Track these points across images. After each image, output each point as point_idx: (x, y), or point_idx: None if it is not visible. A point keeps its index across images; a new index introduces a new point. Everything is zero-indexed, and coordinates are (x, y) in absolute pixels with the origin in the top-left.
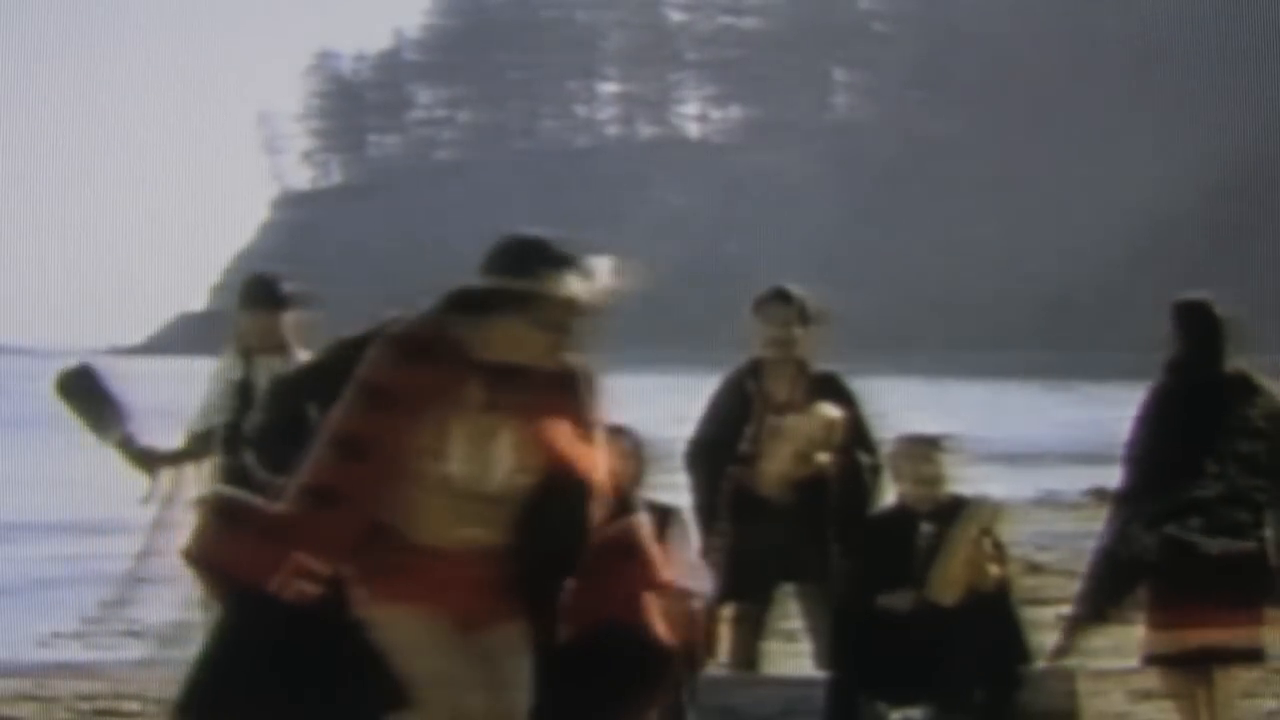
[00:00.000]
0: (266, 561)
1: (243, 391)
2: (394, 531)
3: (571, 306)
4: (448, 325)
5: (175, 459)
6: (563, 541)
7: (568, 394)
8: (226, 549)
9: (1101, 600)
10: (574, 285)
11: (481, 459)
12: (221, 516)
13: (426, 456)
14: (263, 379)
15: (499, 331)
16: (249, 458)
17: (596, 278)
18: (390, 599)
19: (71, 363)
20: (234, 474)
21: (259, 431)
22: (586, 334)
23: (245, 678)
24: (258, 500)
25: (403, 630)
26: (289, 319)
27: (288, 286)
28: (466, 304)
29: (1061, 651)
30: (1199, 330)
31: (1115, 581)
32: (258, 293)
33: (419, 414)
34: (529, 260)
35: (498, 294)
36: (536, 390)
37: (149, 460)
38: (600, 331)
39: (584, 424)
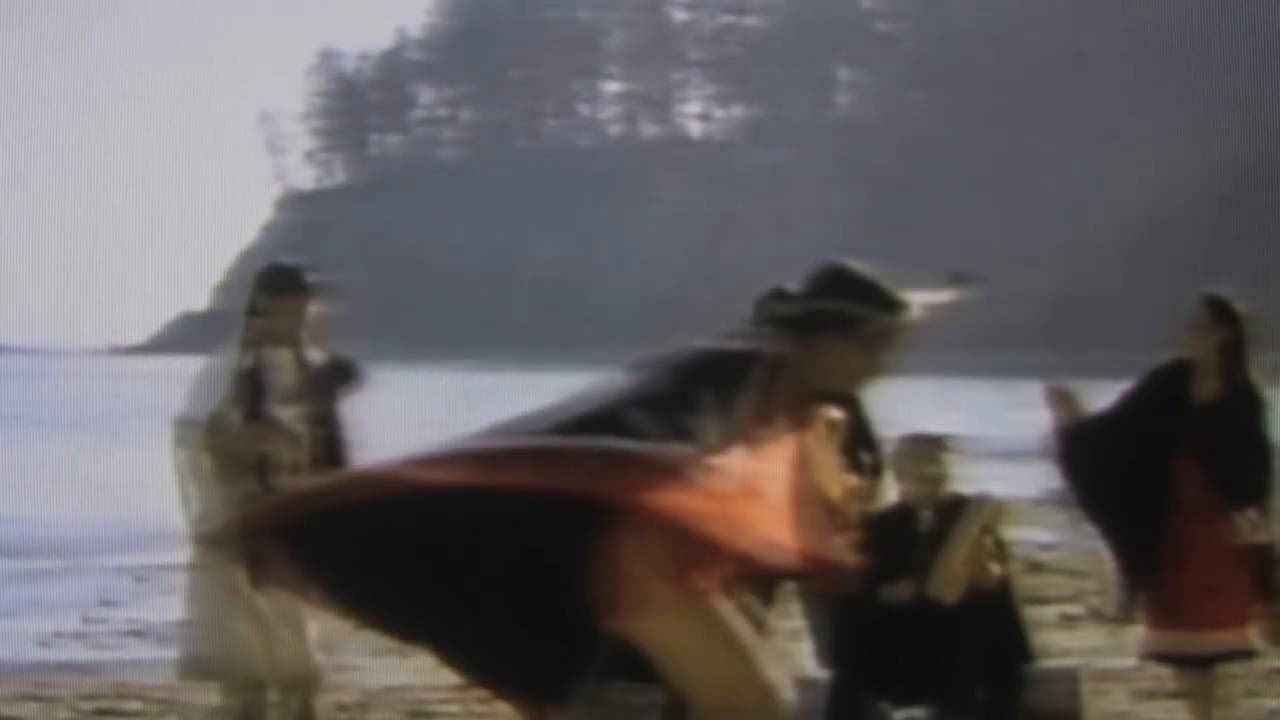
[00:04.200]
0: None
1: (252, 380)
2: None
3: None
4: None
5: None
6: None
7: None
8: None
9: None
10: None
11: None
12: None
13: None
14: (275, 372)
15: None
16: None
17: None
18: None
19: None
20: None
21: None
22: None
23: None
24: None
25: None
26: (313, 309)
27: (313, 276)
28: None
29: None
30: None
31: None
32: (289, 279)
33: None
34: (867, 287)
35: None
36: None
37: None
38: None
39: None
